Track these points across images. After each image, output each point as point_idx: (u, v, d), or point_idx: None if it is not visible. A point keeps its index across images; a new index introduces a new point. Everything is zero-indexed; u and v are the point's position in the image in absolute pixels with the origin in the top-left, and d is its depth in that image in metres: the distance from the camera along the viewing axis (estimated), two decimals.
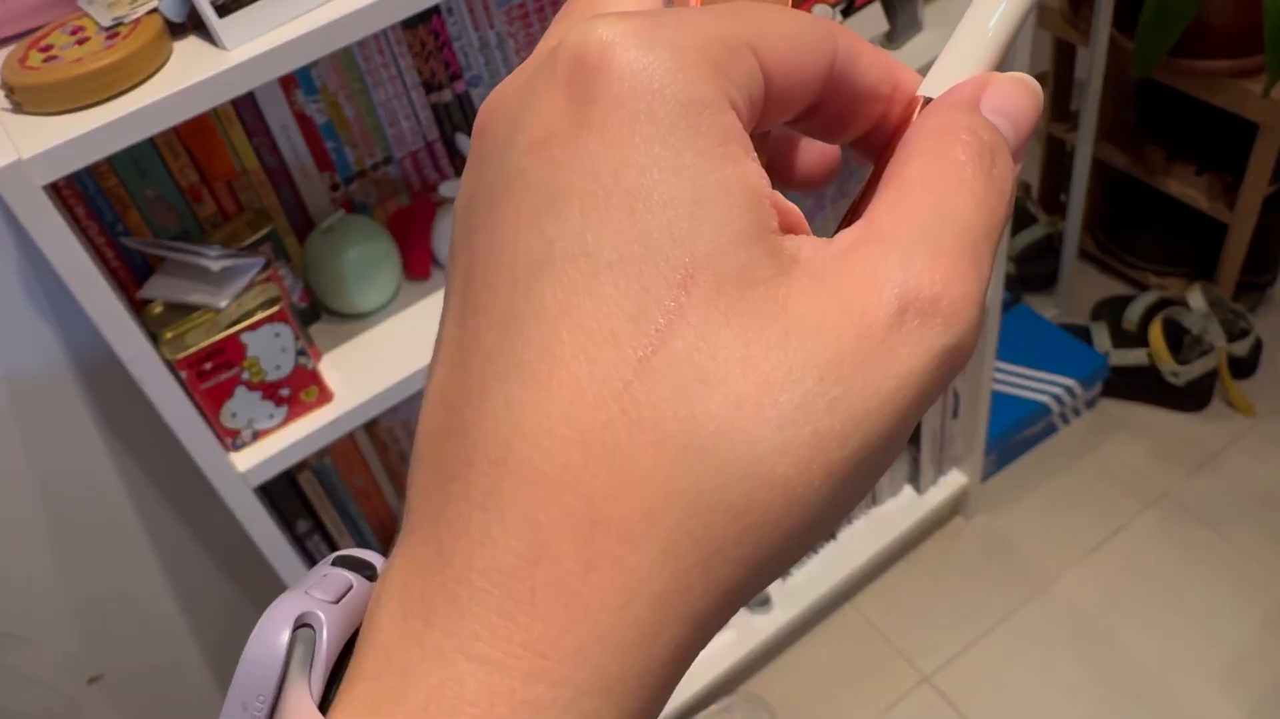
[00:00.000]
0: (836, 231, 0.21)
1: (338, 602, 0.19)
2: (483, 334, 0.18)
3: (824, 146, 0.24)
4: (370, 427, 1.18)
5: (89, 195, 0.90)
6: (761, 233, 0.18)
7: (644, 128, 0.17)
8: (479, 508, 0.17)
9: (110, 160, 0.90)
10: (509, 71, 1.09)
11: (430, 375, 0.20)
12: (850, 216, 0.21)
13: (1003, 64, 0.23)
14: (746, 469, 0.17)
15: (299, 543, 1.19)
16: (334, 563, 0.20)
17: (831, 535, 1.69)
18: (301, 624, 0.19)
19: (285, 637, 0.18)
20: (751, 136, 0.19)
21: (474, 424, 0.17)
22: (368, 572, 0.20)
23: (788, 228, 0.19)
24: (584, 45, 0.18)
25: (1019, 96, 0.21)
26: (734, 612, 0.18)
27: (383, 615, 0.18)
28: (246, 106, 0.95)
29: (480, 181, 0.19)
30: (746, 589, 0.18)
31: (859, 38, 0.21)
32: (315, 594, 0.19)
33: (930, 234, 0.18)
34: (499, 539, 0.17)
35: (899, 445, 0.18)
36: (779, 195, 0.19)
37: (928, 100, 0.22)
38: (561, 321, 0.17)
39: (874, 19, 1.13)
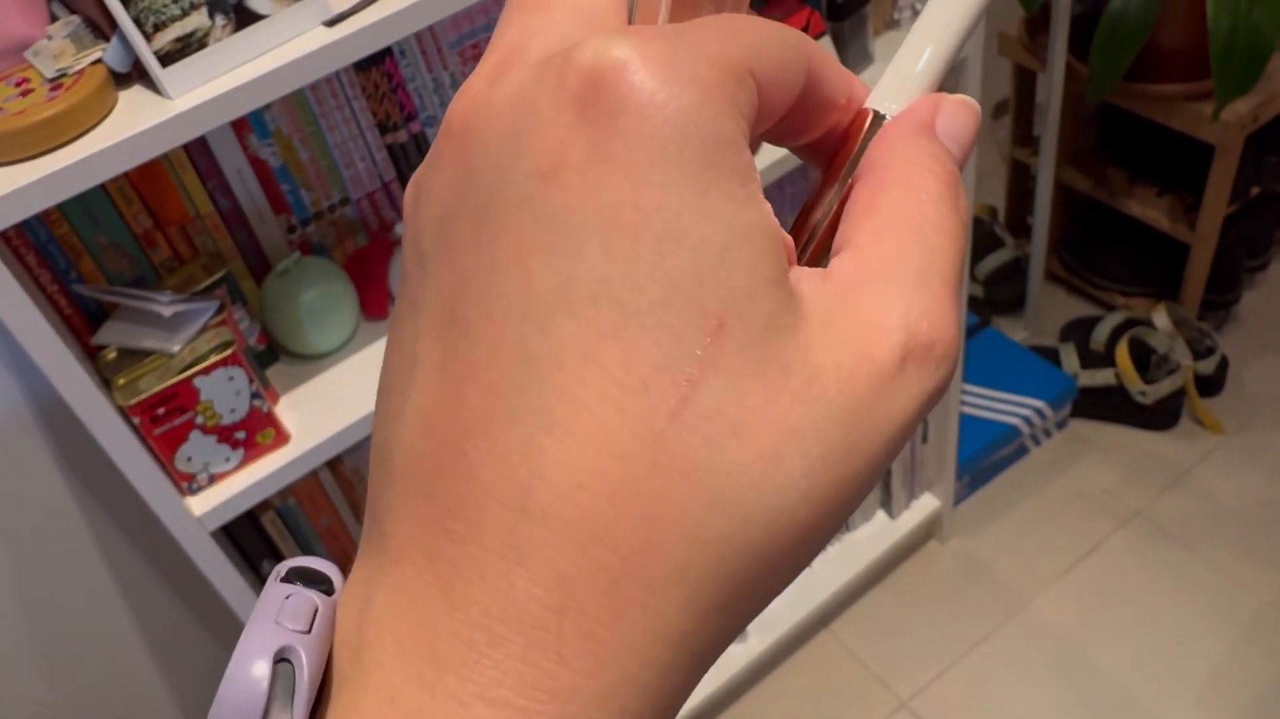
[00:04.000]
0: (793, 233, 0.21)
1: (309, 630, 0.18)
2: (482, 367, 0.17)
3: None
4: (334, 466, 1.18)
5: (40, 243, 0.91)
6: (782, 278, 0.18)
7: (672, 168, 0.17)
8: (495, 554, 0.17)
9: (61, 208, 0.91)
10: None
11: (401, 394, 0.19)
12: (803, 222, 0.22)
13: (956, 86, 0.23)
14: (774, 518, 0.17)
15: (263, 584, 1.19)
16: (286, 577, 0.19)
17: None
18: (279, 659, 0.18)
19: (264, 674, 0.17)
20: None
21: (481, 465, 0.17)
22: (324, 586, 0.19)
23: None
24: (599, 66, 0.17)
25: (965, 120, 0.22)
26: (729, 645, 0.19)
27: (377, 653, 0.17)
28: (199, 151, 0.96)
29: (466, 193, 0.18)
30: (750, 619, 0.18)
31: (824, 49, 0.21)
32: (286, 624, 0.18)
33: (921, 277, 0.19)
34: (520, 588, 0.16)
35: (883, 474, 0.19)
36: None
37: (878, 114, 0.22)
38: (587, 368, 0.16)
39: None
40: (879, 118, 0.22)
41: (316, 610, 0.19)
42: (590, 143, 0.17)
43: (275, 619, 0.18)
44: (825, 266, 0.20)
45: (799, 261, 0.21)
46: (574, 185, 0.17)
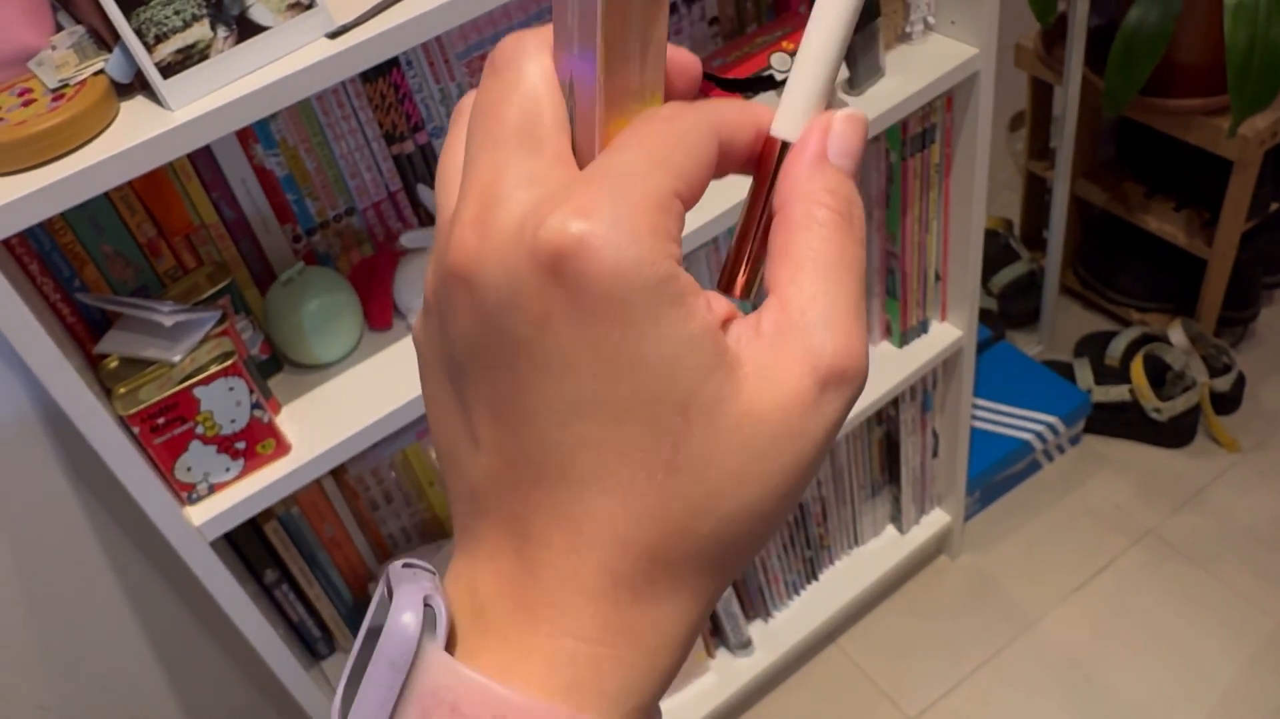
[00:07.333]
0: (728, 259, 0.28)
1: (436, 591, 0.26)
2: (528, 448, 0.25)
3: (688, 63, 0.29)
4: (338, 475, 1.18)
5: (44, 252, 0.91)
6: (719, 358, 0.24)
7: (629, 311, 0.23)
8: (563, 555, 0.25)
9: (65, 217, 0.91)
10: None
11: (471, 456, 0.26)
12: (740, 247, 0.28)
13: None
14: (744, 515, 0.25)
15: (267, 593, 1.19)
16: (404, 566, 0.27)
17: (814, 575, 1.69)
18: (425, 604, 0.25)
19: (419, 611, 0.24)
20: None
21: (542, 505, 0.25)
22: (430, 573, 0.27)
23: (725, 320, 0.25)
24: (562, 242, 0.23)
25: (852, 135, 0.27)
26: (722, 593, 0.27)
27: (490, 613, 0.25)
28: (203, 161, 0.96)
29: (483, 331, 0.25)
30: (732, 580, 0.27)
31: (726, 105, 0.27)
32: (425, 584, 0.25)
33: (826, 314, 0.25)
34: (585, 575, 0.25)
35: (824, 458, 0.27)
36: (713, 296, 0.25)
37: (784, 144, 0.27)
38: (601, 449, 0.24)
39: None
40: (785, 146, 0.27)
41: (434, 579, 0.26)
42: (566, 300, 0.23)
43: (415, 581, 0.25)
44: (760, 290, 0.27)
45: (740, 288, 0.28)
46: (561, 331, 0.23)
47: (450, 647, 0.25)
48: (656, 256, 0.23)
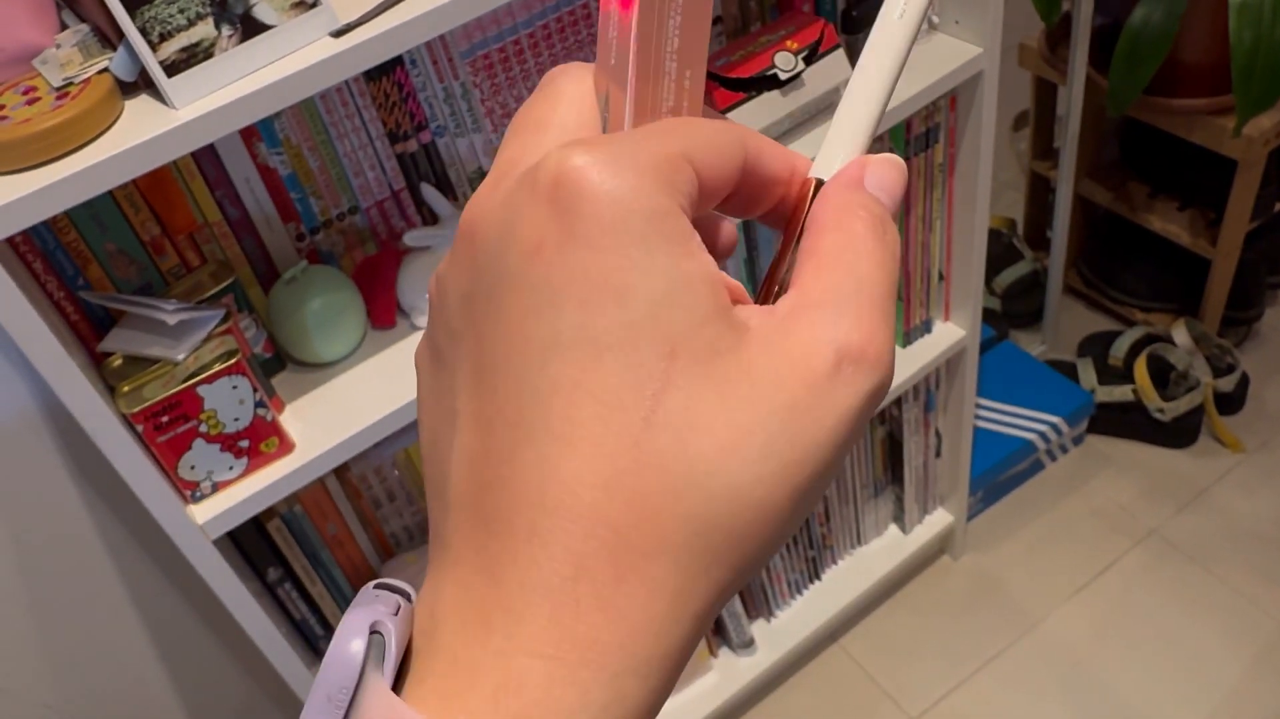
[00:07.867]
0: (760, 289, 0.26)
1: (396, 614, 0.23)
2: (504, 406, 0.22)
3: (729, 228, 0.29)
4: (341, 474, 1.18)
5: (48, 250, 0.91)
6: (721, 311, 0.22)
7: (622, 237, 0.21)
8: (524, 542, 0.21)
9: (69, 215, 0.91)
10: (474, 121, 1.08)
11: (448, 441, 0.24)
12: (771, 278, 0.26)
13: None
14: (732, 495, 0.22)
15: (270, 591, 1.19)
16: (375, 587, 0.24)
17: (816, 575, 1.69)
18: (373, 631, 0.22)
19: (363, 640, 0.22)
20: None
21: (509, 478, 0.22)
22: (405, 595, 0.24)
23: (734, 299, 0.23)
24: (561, 170, 0.22)
25: (891, 173, 0.26)
26: (724, 605, 0.23)
27: (443, 630, 0.22)
28: (207, 159, 0.96)
29: (477, 279, 0.23)
30: (734, 586, 0.23)
31: (763, 137, 0.26)
32: (379, 608, 0.23)
33: (851, 300, 0.23)
34: (544, 564, 0.21)
35: (841, 464, 0.24)
36: (725, 274, 0.23)
37: (819, 181, 0.26)
38: (576, 393, 0.21)
39: (839, 65, 1.14)
40: (820, 184, 0.26)
41: (400, 607, 0.23)
42: (560, 227, 0.22)
43: (369, 605, 0.23)
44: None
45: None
46: (552, 260, 0.22)
47: (404, 677, 0.23)
48: (657, 189, 0.22)
